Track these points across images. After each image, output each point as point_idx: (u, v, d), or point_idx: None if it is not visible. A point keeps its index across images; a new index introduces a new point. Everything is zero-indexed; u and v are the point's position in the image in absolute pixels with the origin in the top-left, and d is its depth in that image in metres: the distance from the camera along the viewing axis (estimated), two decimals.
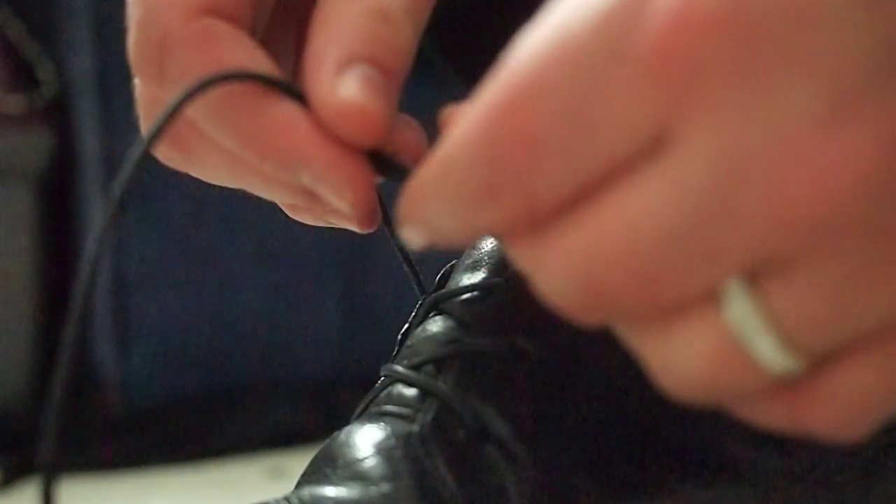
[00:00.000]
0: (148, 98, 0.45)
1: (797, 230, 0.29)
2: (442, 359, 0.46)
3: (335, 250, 1.48)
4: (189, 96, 0.38)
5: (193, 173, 0.47)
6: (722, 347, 0.31)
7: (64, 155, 1.44)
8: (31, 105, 1.42)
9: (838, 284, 0.30)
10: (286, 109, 0.40)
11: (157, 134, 0.38)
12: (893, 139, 0.28)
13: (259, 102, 0.41)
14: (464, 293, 0.47)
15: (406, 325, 0.49)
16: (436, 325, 0.47)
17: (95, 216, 1.43)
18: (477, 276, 0.48)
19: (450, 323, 0.47)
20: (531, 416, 0.44)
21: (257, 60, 0.41)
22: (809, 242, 0.29)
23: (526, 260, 0.33)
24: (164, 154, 0.46)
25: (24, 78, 1.43)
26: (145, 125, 0.46)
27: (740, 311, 0.31)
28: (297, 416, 1.38)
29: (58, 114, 1.43)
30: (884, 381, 0.31)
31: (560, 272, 0.32)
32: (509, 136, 0.31)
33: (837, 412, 0.32)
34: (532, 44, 0.31)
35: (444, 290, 0.48)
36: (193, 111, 0.41)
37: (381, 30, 0.40)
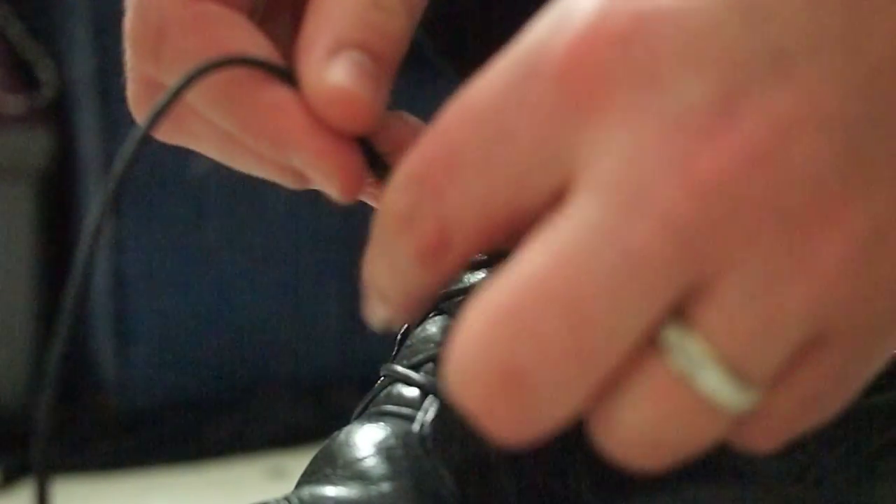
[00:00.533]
0: (142, 79, 0.45)
1: (704, 212, 0.30)
2: (441, 358, 0.46)
3: (335, 250, 1.48)
4: (189, 81, 0.38)
5: (185, 145, 0.46)
6: (670, 393, 0.31)
7: (64, 155, 1.44)
8: (31, 105, 1.42)
9: (759, 287, 0.30)
10: (280, 94, 0.40)
11: (155, 118, 0.38)
12: (784, 123, 0.30)
13: (255, 87, 0.40)
14: (463, 293, 0.47)
15: (405, 326, 0.49)
16: (435, 324, 0.47)
17: (93, 207, 1.43)
18: (477, 277, 0.48)
19: (449, 322, 0.47)
20: None
21: (255, 44, 0.41)
22: (720, 240, 0.30)
23: (432, 289, 0.33)
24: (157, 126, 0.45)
25: (24, 78, 1.43)
26: (137, 106, 0.46)
27: (679, 349, 0.31)
28: (297, 416, 1.38)
29: (58, 114, 1.43)
30: (811, 403, 0.32)
31: (475, 318, 0.31)
32: (430, 156, 0.32)
33: (771, 434, 0.33)
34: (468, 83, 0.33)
35: (444, 291, 0.48)
36: (190, 93, 0.41)
37: (373, 16, 0.40)
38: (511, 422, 0.31)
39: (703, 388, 0.31)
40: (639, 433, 0.31)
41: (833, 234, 0.30)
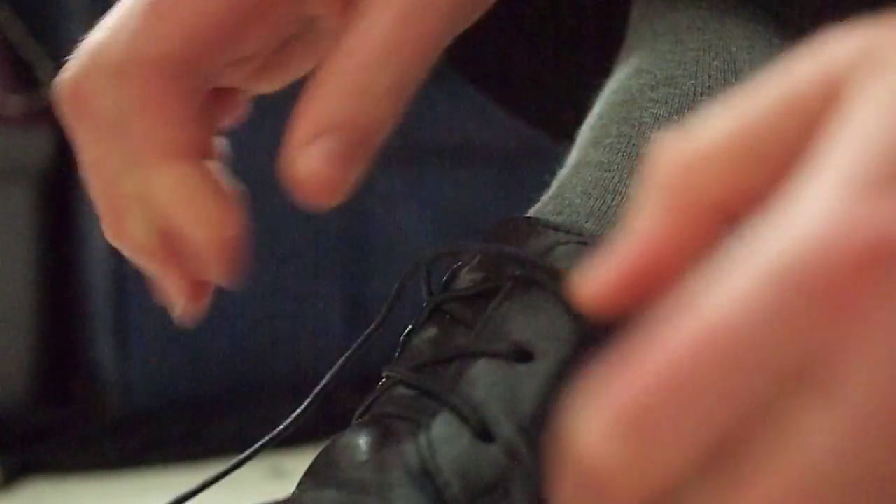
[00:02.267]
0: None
1: None
2: (444, 360, 0.46)
3: (335, 250, 1.48)
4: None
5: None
6: None
7: (64, 155, 1.44)
8: (31, 105, 1.42)
9: None
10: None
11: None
12: None
13: None
14: (466, 295, 0.47)
15: (409, 328, 0.49)
16: (437, 326, 0.47)
17: (95, 216, 1.43)
18: (479, 278, 0.47)
19: (452, 324, 0.47)
20: (533, 417, 0.44)
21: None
22: None
23: None
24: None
25: (24, 78, 1.43)
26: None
27: None
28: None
29: (58, 114, 1.43)
30: None
31: None
32: (649, 388, 0.28)
33: None
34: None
35: (446, 292, 0.48)
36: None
37: (356, 104, 0.43)
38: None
39: None
40: None
41: None
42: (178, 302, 0.48)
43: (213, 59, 0.45)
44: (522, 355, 0.45)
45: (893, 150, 0.29)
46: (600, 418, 0.28)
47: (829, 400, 0.28)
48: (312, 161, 0.43)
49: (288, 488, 0.45)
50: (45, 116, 1.43)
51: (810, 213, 0.28)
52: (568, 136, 0.55)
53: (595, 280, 0.30)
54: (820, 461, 0.28)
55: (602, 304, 0.30)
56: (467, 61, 0.66)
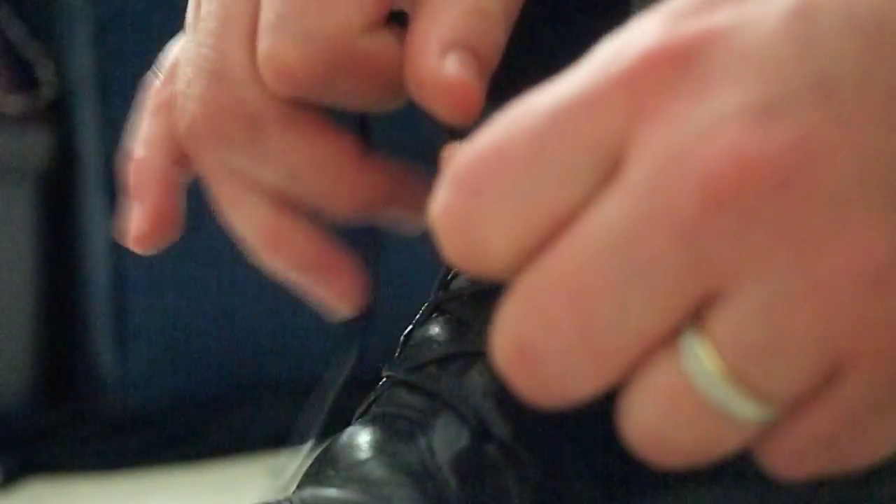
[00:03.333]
0: (224, 164, 0.48)
1: (718, 224, 0.30)
2: (443, 360, 0.46)
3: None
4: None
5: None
6: (678, 393, 0.32)
7: (64, 155, 1.44)
8: (31, 105, 1.42)
9: (769, 303, 0.31)
10: None
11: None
12: (814, 144, 0.30)
13: None
14: (466, 294, 0.47)
15: (409, 328, 0.49)
16: (437, 326, 0.47)
17: (95, 216, 1.43)
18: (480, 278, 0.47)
19: (452, 324, 0.47)
20: (532, 417, 0.44)
21: (343, 147, 0.47)
22: (733, 253, 0.30)
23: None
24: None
25: (24, 78, 1.43)
26: (218, 185, 0.49)
27: (689, 354, 0.31)
28: (297, 416, 1.37)
29: (58, 114, 1.43)
30: (828, 441, 0.33)
31: (507, 296, 0.33)
32: (476, 157, 0.33)
33: (791, 462, 0.33)
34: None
35: (445, 292, 0.48)
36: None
37: (480, 24, 0.44)
38: (529, 390, 0.33)
39: (708, 394, 0.31)
40: (650, 429, 0.32)
41: (849, 258, 0.30)
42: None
43: None
44: None
45: None
46: (440, 184, 0.33)
47: (619, 181, 0.32)
48: (455, 69, 0.43)
49: (288, 488, 0.45)
50: (45, 116, 1.43)
51: (636, 28, 0.33)
52: None
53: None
54: (605, 234, 0.31)
55: None
56: None
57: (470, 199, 0.33)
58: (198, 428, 1.37)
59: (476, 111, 0.43)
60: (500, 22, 0.45)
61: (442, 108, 0.44)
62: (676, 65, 0.32)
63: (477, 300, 0.47)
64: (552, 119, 0.33)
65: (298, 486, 0.45)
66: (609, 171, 0.32)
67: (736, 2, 0.32)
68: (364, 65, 0.45)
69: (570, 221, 0.32)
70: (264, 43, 0.45)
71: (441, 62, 0.43)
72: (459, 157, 0.33)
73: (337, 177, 0.47)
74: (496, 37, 0.45)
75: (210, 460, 1.33)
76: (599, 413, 0.45)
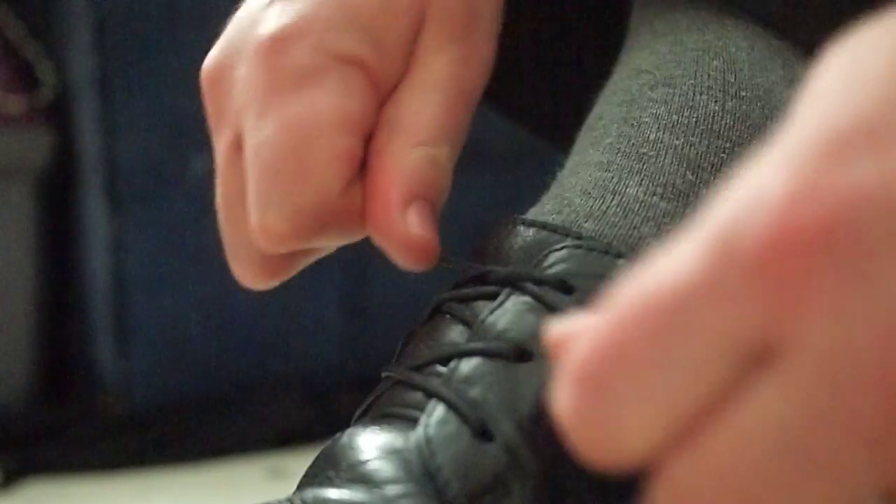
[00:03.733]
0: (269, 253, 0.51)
1: None
2: (444, 359, 0.46)
3: (335, 250, 1.48)
4: None
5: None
6: None
7: (64, 155, 1.44)
8: (31, 105, 1.42)
9: None
10: None
11: None
12: None
13: None
14: (466, 295, 0.47)
15: (411, 329, 0.49)
16: (437, 326, 0.47)
17: (95, 216, 1.43)
18: (482, 279, 0.48)
19: (452, 324, 0.47)
20: (533, 416, 0.44)
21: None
22: None
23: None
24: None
25: (24, 78, 1.43)
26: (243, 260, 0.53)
27: None
28: (297, 416, 1.38)
29: (58, 114, 1.43)
30: None
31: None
32: (599, 351, 0.30)
33: None
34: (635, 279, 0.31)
35: (447, 292, 0.48)
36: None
37: (432, 173, 0.49)
38: None
39: None
40: None
41: None
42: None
43: None
44: (521, 355, 0.45)
45: (850, 117, 0.29)
46: (562, 380, 0.30)
47: (778, 373, 0.29)
48: (416, 224, 0.48)
49: (288, 488, 0.45)
50: (45, 116, 1.43)
51: (751, 182, 0.29)
52: (568, 140, 0.55)
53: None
54: (769, 429, 0.29)
55: None
56: None
57: (597, 398, 0.30)
58: (198, 428, 1.37)
59: (435, 259, 0.48)
60: (448, 167, 0.50)
61: (406, 260, 0.48)
62: (819, 244, 0.28)
63: (476, 301, 0.47)
64: (675, 314, 0.29)
65: (299, 487, 0.45)
66: (751, 361, 0.29)
67: (874, 147, 0.28)
68: (345, 217, 0.49)
69: (714, 411, 0.29)
70: (254, 218, 0.49)
71: (404, 220, 0.48)
72: (577, 351, 0.30)
73: None
74: (445, 182, 0.50)
75: (210, 460, 1.33)
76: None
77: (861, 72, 0.29)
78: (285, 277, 0.53)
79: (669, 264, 0.30)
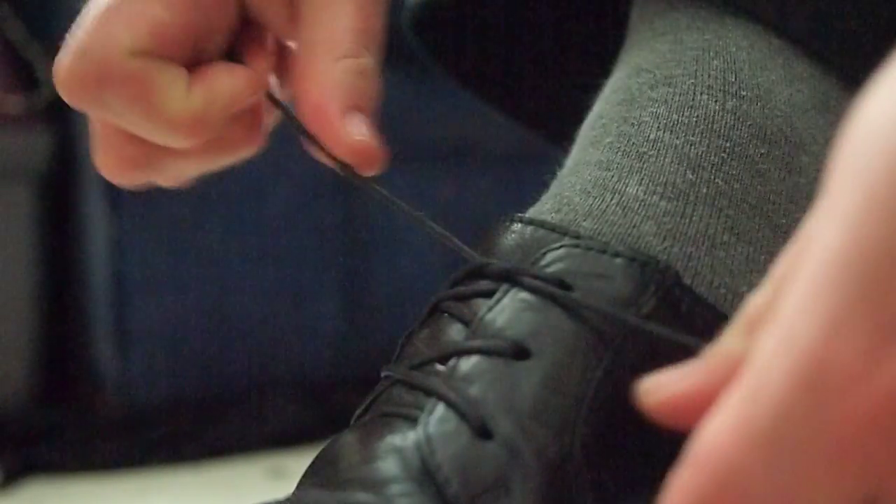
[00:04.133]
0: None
1: None
2: (443, 358, 0.46)
3: (335, 250, 1.48)
4: None
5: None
6: None
7: (64, 155, 1.44)
8: (31, 105, 1.42)
9: None
10: None
11: None
12: None
13: None
14: (464, 294, 0.47)
15: (410, 329, 0.49)
16: (436, 325, 0.47)
17: (95, 216, 1.43)
18: (480, 278, 0.48)
19: (451, 322, 0.47)
20: (531, 414, 0.44)
21: (188, 99, 0.50)
22: None
23: None
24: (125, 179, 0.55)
25: (24, 78, 1.43)
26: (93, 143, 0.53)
27: None
28: (297, 416, 1.38)
29: (58, 114, 1.43)
30: None
31: None
32: (708, 481, 0.30)
33: None
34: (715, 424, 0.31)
35: (445, 292, 0.48)
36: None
37: (361, 84, 0.50)
38: None
39: None
40: None
41: None
42: None
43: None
44: (520, 353, 0.45)
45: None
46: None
47: None
48: (358, 131, 0.49)
49: (288, 488, 0.45)
50: (45, 116, 1.43)
51: (805, 350, 0.29)
52: (567, 139, 0.55)
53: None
54: None
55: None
56: (465, 67, 0.66)
57: None
58: (198, 428, 1.37)
59: (382, 161, 0.50)
60: (374, 75, 0.51)
61: (357, 164, 0.49)
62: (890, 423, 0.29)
63: (475, 299, 0.47)
64: (782, 449, 0.29)
65: (299, 487, 0.45)
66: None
67: None
68: (132, 86, 0.49)
69: None
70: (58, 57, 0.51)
71: (346, 129, 0.49)
72: (682, 479, 0.31)
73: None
74: (374, 90, 0.51)
75: (210, 460, 1.33)
76: (600, 413, 0.45)
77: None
78: (145, 176, 0.55)
79: (760, 396, 0.30)
